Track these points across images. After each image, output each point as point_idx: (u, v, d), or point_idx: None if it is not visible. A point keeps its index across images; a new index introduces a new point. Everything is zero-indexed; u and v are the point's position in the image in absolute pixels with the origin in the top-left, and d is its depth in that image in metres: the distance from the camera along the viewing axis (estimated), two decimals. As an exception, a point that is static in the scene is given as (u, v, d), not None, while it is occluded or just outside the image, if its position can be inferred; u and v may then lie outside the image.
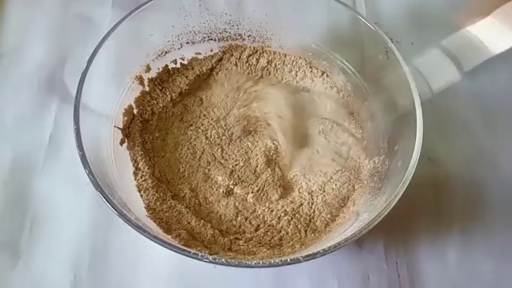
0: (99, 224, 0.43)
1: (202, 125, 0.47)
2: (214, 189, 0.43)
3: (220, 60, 0.50)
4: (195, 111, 0.48)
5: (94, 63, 0.38)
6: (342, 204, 0.42)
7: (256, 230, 0.41)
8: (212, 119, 0.47)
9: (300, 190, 0.44)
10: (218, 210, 0.42)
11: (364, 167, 0.44)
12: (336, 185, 0.43)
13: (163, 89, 0.47)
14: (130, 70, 0.45)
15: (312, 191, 0.43)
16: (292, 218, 0.41)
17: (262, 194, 0.43)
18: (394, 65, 0.41)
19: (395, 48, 0.41)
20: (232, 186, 0.43)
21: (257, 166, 0.45)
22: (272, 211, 0.42)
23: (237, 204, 0.42)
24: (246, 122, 0.47)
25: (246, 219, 0.42)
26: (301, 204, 0.42)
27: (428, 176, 0.46)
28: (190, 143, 0.46)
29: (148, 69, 0.46)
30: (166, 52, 0.47)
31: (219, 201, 0.42)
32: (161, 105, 0.46)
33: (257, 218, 0.42)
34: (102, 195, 0.33)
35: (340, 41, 0.46)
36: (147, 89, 0.46)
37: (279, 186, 0.44)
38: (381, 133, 0.43)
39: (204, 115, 0.48)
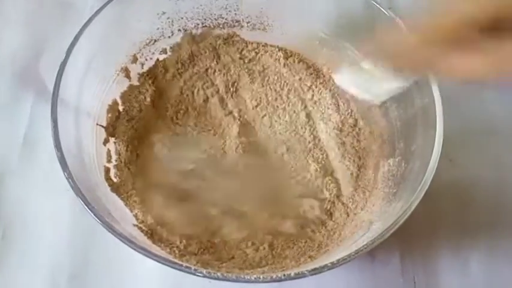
0: (80, 234, 0.42)
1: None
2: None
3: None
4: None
5: (74, 53, 0.36)
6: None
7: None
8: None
9: None
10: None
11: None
12: None
13: (153, 83, 0.45)
14: (114, 61, 0.43)
15: None
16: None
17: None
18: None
19: None
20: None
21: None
22: None
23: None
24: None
25: None
26: None
27: (450, 179, 0.44)
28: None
29: (134, 59, 0.43)
30: (155, 40, 0.44)
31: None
32: (149, 99, 0.44)
33: None
34: (83, 201, 0.31)
35: (350, 29, 0.44)
36: (134, 82, 0.44)
37: None
38: (396, 131, 0.41)
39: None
